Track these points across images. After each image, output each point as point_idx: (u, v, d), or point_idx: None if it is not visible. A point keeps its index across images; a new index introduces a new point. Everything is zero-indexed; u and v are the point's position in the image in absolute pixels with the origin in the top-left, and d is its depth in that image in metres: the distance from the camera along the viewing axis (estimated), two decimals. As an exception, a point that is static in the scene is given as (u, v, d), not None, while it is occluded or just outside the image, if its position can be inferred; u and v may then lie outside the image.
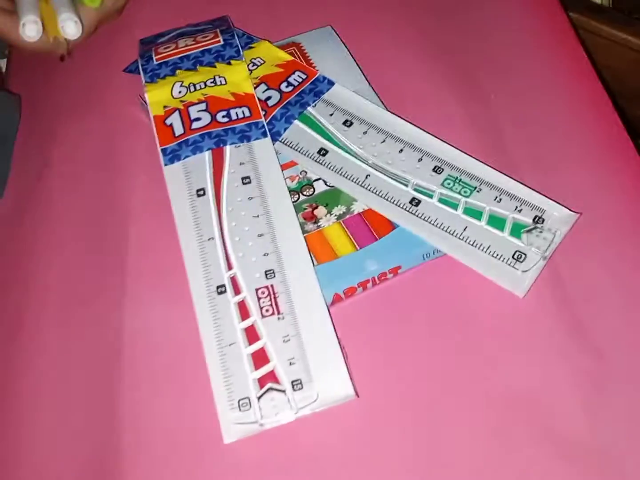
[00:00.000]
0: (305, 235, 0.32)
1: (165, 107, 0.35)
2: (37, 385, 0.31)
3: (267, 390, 0.28)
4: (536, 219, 0.32)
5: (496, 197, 0.32)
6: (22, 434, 0.30)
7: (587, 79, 0.40)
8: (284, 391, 0.28)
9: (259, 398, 0.28)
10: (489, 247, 0.31)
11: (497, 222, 0.32)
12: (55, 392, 0.31)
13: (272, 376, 0.28)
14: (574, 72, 0.41)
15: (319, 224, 0.32)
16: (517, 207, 0.32)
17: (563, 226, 0.32)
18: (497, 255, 0.31)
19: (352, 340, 0.30)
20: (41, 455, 0.29)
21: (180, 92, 0.36)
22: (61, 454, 0.29)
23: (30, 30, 0.36)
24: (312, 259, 0.31)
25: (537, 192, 0.33)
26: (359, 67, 0.37)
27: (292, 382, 0.28)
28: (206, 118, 0.35)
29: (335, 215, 0.33)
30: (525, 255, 0.31)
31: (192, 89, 0.36)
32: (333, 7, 0.42)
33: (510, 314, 0.31)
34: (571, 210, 0.32)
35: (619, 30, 0.48)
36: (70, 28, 0.37)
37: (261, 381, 0.28)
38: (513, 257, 0.31)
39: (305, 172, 0.34)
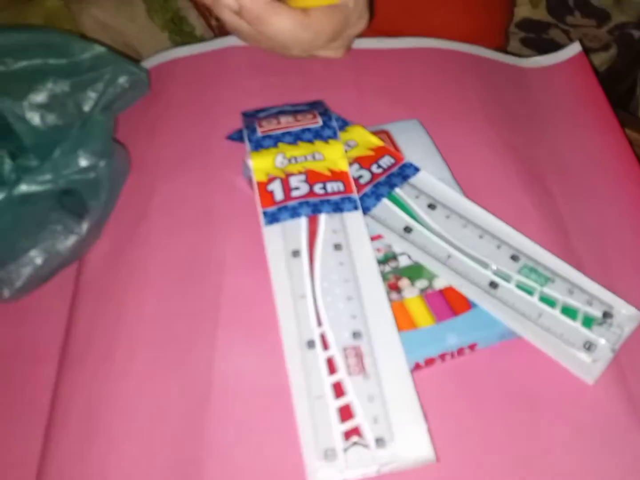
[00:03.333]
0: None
1: (268, 174, 0.39)
2: (124, 420, 0.33)
3: (353, 444, 0.29)
4: (605, 314, 0.34)
5: (569, 289, 0.35)
6: (106, 468, 0.32)
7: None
8: (367, 446, 0.29)
9: (345, 450, 0.29)
10: (562, 334, 0.33)
11: (569, 312, 0.34)
12: (141, 430, 0.32)
13: (356, 431, 0.30)
14: (631, 185, 0.44)
15: (402, 294, 0.35)
16: (587, 301, 0.34)
17: (630, 323, 0.34)
18: (569, 342, 0.33)
19: (428, 407, 0.31)
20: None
21: (282, 162, 0.39)
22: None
23: None
24: (394, 326, 0.33)
25: (606, 288, 0.35)
26: (442, 158, 0.41)
27: (376, 439, 0.29)
28: (304, 188, 0.38)
29: (419, 289, 0.35)
30: (595, 346, 0.33)
31: (293, 161, 0.39)
32: (418, 103, 0.46)
33: (578, 401, 0.33)
34: (638, 309, 0.34)
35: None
36: None
37: (347, 435, 0.30)
38: (584, 346, 0.33)
39: (391, 246, 0.37)
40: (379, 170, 0.40)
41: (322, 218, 0.37)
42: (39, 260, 0.36)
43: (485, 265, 0.36)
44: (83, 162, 0.39)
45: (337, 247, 0.36)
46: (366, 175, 0.39)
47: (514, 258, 0.36)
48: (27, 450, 0.35)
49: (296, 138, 0.40)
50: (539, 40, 0.76)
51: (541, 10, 0.76)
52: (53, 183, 0.38)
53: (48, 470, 0.33)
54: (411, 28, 0.51)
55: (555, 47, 0.53)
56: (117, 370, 0.35)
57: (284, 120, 0.42)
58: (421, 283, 0.35)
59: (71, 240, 0.37)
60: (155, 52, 0.52)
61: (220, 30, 0.57)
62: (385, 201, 0.38)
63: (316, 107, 0.44)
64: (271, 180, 0.38)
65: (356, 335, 0.33)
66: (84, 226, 0.37)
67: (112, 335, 0.36)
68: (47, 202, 0.38)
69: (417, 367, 0.33)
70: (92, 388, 0.34)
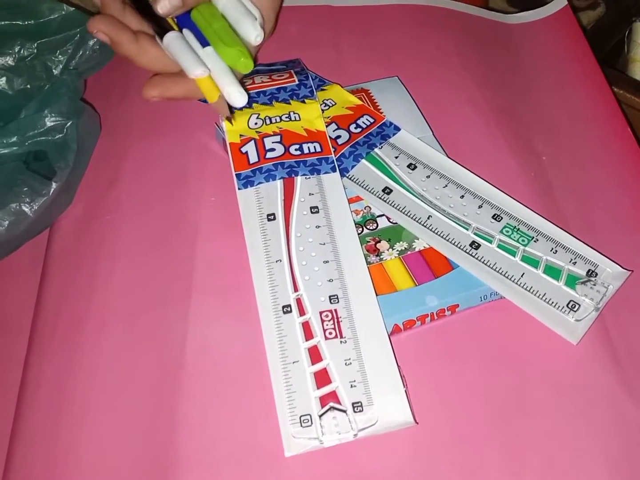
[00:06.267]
0: (367, 266, 0.33)
1: (241, 135, 0.37)
2: (95, 390, 0.32)
3: (329, 409, 0.28)
4: (590, 273, 0.33)
5: (552, 249, 0.34)
6: (78, 437, 0.31)
7: (631, 152, 0.42)
8: (345, 411, 0.28)
9: (320, 416, 0.28)
10: (544, 294, 0.32)
11: (553, 271, 0.33)
12: (113, 399, 0.31)
13: (333, 396, 0.29)
14: (619, 143, 0.43)
15: (381, 257, 0.34)
16: (571, 260, 0.34)
17: (615, 281, 0.33)
18: (552, 302, 0.32)
19: (408, 370, 0.31)
20: (95, 461, 0.30)
21: (256, 123, 0.38)
22: (116, 461, 0.30)
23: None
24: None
25: (591, 247, 0.34)
26: (424, 117, 0.40)
27: (353, 404, 0.29)
28: (280, 149, 0.36)
29: (397, 251, 0.34)
30: (579, 305, 0.32)
31: (267, 121, 0.38)
32: (398, 61, 0.44)
33: (561, 361, 0.32)
34: (623, 268, 0.33)
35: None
36: (237, 99, 0.34)
37: (323, 400, 0.29)
38: (567, 306, 0.32)
39: (370, 208, 0.36)
40: (358, 130, 0.38)
41: (299, 180, 0.35)
42: (4, 223, 0.34)
43: (466, 226, 0.35)
44: (49, 123, 0.37)
45: (314, 209, 0.34)
46: (344, 136, 0.38)
47: (496, 217, 0.35)
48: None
49: (271, 98, 0.39)
50: (526, -1, 0.74)
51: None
52: (19, 145, 0.37)
53: (19, 442, 0.32)
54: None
55: (542, 5, 0.51)
56: (88, 340, 0.34)
57: (259, 79, 0.40)
58: (401, 245, 0.34)
59: (38, 202, 0.35)
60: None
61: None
62: (364, 162, 0.37)
63: (292, 65, 0.43)
64: (245, 141, 0.37)
65: (333, 299, 0.32)
66: (52, 188, 0.36)
67: (83, 304, 0.35)
68: (13, 165, 0.36)
69: (396, 329, 0.32)
70: (63, 358, 0.33)
